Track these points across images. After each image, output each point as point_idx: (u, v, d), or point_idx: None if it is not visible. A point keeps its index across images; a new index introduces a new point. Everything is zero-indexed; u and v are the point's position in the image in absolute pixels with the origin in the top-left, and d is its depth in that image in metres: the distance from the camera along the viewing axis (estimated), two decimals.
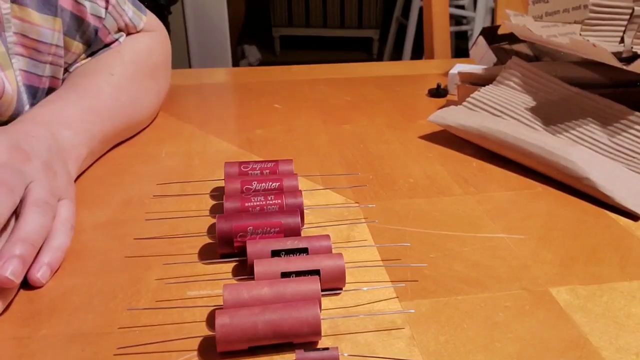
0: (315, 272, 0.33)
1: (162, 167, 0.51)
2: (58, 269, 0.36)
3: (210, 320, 0.31)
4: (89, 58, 0.58)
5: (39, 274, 0.34)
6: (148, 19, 0.63)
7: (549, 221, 0.42)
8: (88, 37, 0.56)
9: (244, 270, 0.35)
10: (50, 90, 0.53)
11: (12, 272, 0.31)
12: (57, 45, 0.52)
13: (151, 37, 0.63)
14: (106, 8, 0.57)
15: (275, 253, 0.34)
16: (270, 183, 0.42)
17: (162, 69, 0.63)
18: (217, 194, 0.45)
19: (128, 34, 0.61)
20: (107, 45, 0.59)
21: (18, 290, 0.33)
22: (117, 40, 0.59)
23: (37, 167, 0.38)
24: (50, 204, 0.36)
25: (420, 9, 2.31)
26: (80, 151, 0.46)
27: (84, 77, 0.54)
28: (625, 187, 0.44)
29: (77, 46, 0.56)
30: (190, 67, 2.37)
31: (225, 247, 0.36)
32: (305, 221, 0.41)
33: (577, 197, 0.45)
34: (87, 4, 0.54)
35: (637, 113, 0.49)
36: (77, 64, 0.57)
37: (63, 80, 0.55)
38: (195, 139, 0.57)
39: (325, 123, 0.62)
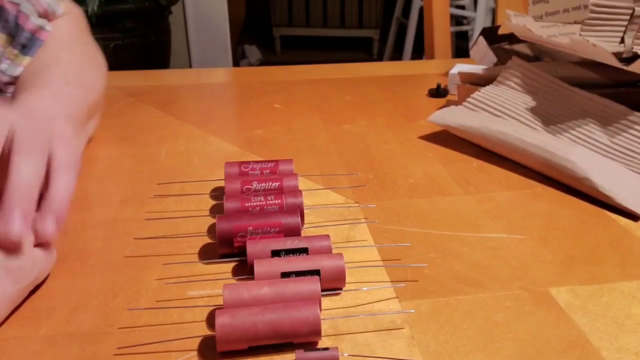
0: (316, 272, 0.33)
1: (162, 167, 0.51)
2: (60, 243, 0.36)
3: (210, 320, 0.31)
4: (18, 51, 0.55)
5: (45, 228, 0.32)
6: (65, 3, 0.61)
7: (549, 221, 0.42)
8: (10, 26, 0.54)
9: (244, 270, 0.35)
10: None
11: (18, 229, 0.30)
12: None
13: (70, 19, 0.61)
14: None
15: (275, 253, 0.34)
16: (270, 183, 0.42)
17: (90, 44, 0.62)
18: (217, 194, 0.45)
19: (50, 20, 0.58)
20: (32, 33, 0.55)
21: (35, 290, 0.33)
22: (41, 27, 0.56)
23: (19, 110, 0.37)
24: (35, 146, 0.34)
25: (421, 9, 2.31)
26: (64, 127, 0.43)
27: (36, 75, 0.52)
28: (625, 187, 0.44)
29: (0, 37, 0.54)
30: (190, 67, 2.37)
31: (225, 247, 0.36)
32: (305, 221, 0.41)
33: (577, 197, 0.45)
34: None
35: (637, 113, 0.49)
36: (15, 65, 0.54)
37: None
38: (195, 138, 0.57)
39: (325, 123, 0.62)
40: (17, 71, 0.54)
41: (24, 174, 0.32)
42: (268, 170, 0.44)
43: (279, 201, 0.39)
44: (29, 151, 0.33)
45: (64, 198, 0.34)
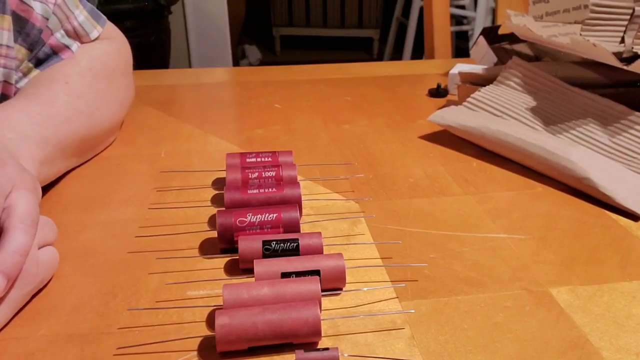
0: (316, 273, 0.33)
1: (162, 166, 0.51)
2: (22, 286, 0.31)
3: (210, 320, 0.31)
4: (32, 65, 0.53)
5: None
6: (106, 28, 0.59)
7: (549, 221, 0.42)
8: (32, 40, 0.51)
9: (244, 271, 0.35)
10: (3, 96, 0.49)
11: None
12: (7, 46, 0.47)
13: (109, 44, 0.59)
14: (52, 7, 0.52)
15: (266, 243, 0.35)
16: (270, 172, 0.43)
17: (122, 76, 0.59)
18: (218, 185, 0.46)
19: (81, 42, 0.56)
20: (53, 50, 0.53)
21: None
22: (66, 46, 0.54)
23: None
24: None
25: (421, 9, 2.31)
26: (32, 151, 0.41)
27: (37, 86, 0.49)
28: (626, 187, 0.44)
29: (20, 50, 0.50)
30: (190, 67, 2.37)
31: (226, 242, 0.37)
32: (304, 218, 0.41)
33: (577, 197, 0.45)
34: (37, 4, 0.50)
35: (637, 113, 0.49)
36: (25, 79, 0.52)
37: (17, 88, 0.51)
38: (195, 138, 0.57)
39: (325, 123, 0.62)
40: (22, 83, 0.51)
41: None
42: (269, 158, 0.46)
43: (278, 196, 0.40)
44: None
45: (18, 260, 0.30)
